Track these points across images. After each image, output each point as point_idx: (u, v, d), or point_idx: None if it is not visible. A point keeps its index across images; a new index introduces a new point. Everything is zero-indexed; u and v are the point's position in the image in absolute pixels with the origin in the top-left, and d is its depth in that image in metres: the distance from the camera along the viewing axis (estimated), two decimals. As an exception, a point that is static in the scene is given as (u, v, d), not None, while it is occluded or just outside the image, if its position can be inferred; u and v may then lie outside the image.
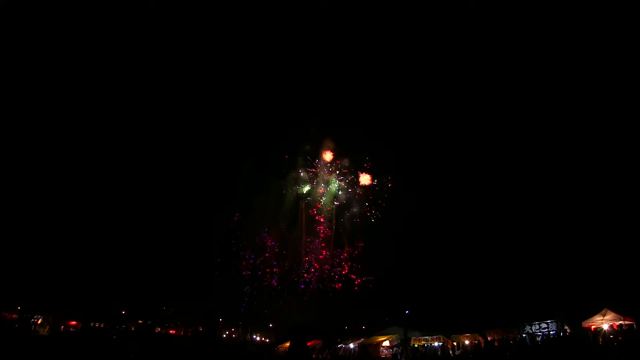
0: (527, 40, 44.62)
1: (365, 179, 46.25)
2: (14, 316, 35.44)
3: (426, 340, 31.48)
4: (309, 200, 47.41)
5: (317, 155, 47.84)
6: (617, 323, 23.68)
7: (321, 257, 46.44)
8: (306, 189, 46.92)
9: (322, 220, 46.82)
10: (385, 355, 33.73)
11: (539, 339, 25.60)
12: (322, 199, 46.98)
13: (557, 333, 25.13)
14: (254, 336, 55.27)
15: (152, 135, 52.47)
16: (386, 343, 34.11)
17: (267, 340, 53.42)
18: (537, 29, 43.61)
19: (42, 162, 45.13)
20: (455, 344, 30.25)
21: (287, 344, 37.96)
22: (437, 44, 49.53)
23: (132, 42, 48.92)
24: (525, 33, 44.22)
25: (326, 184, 46.93)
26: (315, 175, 47.27)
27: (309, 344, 36.95)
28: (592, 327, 24.61)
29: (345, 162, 47.07)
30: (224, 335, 53.39)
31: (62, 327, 36.71)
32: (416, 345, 31.59)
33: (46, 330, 33.78)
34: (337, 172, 47.02)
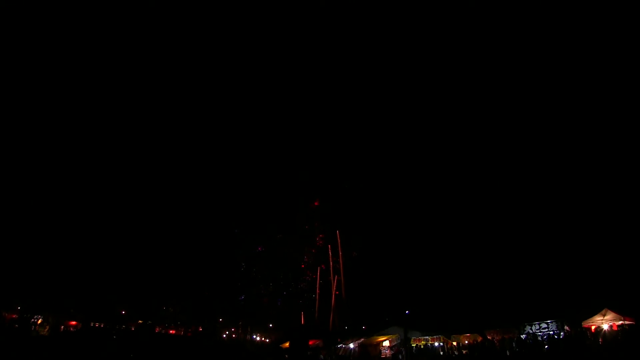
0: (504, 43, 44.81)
1: None
2: (14, 316, 35.39)
3: (426, 340, 31.42)
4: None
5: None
6: (617, 323, 23.65)
7: (315, 276, 46.71)
8: None
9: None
10: (385, 355, 33.68)
11: (539, 339, 25.59)
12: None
13: (557, 333, 25.10)
14: (254, 336, 55.25)
15: (153, 137, 52.77)
16: (386, 343, 34.05)
17: (267, 340, 53.40)
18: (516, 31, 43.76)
19: (42, 162, 45.16)
20: (455, 344, 30.20)
21: (287, 344, 38.12)
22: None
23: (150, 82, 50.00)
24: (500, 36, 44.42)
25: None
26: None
27: (309, 343, 37.04)
28: (592, 327, 24.59)
29: None
30: (224, 335, 53.37)
31: (62, 327, 36.65)
32: (414, 346, 31.54)
33: (46, 330, 33.70)
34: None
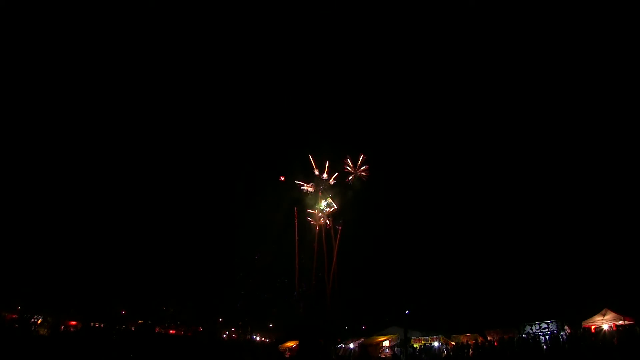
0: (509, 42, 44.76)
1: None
2: (14, 316, 35.36)
3: (426, 340, 31.41)
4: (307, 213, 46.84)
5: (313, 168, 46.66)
6: (617, 323, 23.65)
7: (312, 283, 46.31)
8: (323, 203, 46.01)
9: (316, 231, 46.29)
10: (386, 355, 33.67)
11: (539, 339, 25.59)
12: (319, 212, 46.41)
13: (557, 333, 25.10)
14: (254, 336, 55.25)
15: (153, 137, 52.84)
16: (386, 343, 34.05)
17: (267, 340, 53.39)
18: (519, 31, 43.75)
19: (42, 163, 45.19)
20: (455, 344, 30.19)
21: (290, 343, 38.10)
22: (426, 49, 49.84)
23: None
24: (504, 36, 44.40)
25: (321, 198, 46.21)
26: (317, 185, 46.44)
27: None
28: (592, 327, 24.59)
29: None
30: (224, 335, 53.36)
31: (62, 327, 36.60)
32: (415, 346, 31.53)
33: (46, 330, 33.67)
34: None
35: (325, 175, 45.70)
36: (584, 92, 41.14)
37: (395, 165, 49.28)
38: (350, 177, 44.94)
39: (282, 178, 45.40)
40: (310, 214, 45.88)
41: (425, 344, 31.24)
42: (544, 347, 24.44)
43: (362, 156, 44.96)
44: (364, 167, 45.04)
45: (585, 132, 39.77)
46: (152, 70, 52.60)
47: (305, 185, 45.71)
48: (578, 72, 41.71)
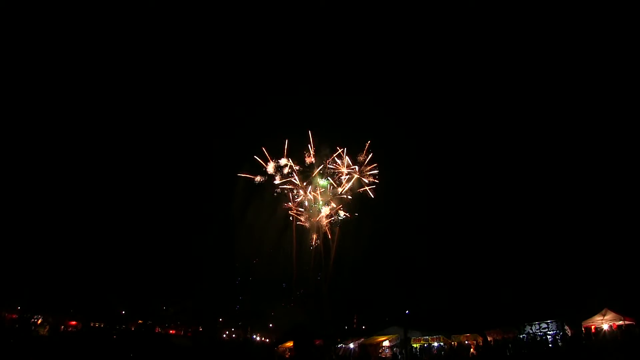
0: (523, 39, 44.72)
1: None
2: (14, 316, 35.40)
3: (426, 340, 31.40)
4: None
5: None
6: (617, 323, 23.65)
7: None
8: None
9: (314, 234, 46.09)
10: (386, 355, 33.66)
11: (539, 339, 25.58)
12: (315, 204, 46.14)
13: (557, 333, 25.09)
14: (254, 336, 55.23)
15: (154, 138, 52.89)
16: (386, 343, 34.04)
17: (267, 340, 53.39)
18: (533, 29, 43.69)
19: (42, 163, 45.21)
20: (455, 344, 30.17)
21: (289, 344, 38.10)
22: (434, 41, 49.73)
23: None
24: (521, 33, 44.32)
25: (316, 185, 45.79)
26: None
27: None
28: (592, 327, 24.58)
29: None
30: (224, 335, 53.37)
31: (62, 327, 36.64)
32: (415, 346, 31.52)
33: (46, 330, 33.70)
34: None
35: (324, 180, 45.76)
36: (585, 91, 41.17)
37: (396, 164, 49.20)
38: (345, 191, 44.84)
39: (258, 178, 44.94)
40: (303, 214, 45.94)
41: (425, 344, 31.23)
42: (544, 347, 24.43)
43: (367, 144, 44.39)
44: (370, 166, 44.74)
45: (585, 133, 39.80)
46: (148, 70, 52.55)
47: (299, 188, 45.61)
48: (579, 72, 41.76)
